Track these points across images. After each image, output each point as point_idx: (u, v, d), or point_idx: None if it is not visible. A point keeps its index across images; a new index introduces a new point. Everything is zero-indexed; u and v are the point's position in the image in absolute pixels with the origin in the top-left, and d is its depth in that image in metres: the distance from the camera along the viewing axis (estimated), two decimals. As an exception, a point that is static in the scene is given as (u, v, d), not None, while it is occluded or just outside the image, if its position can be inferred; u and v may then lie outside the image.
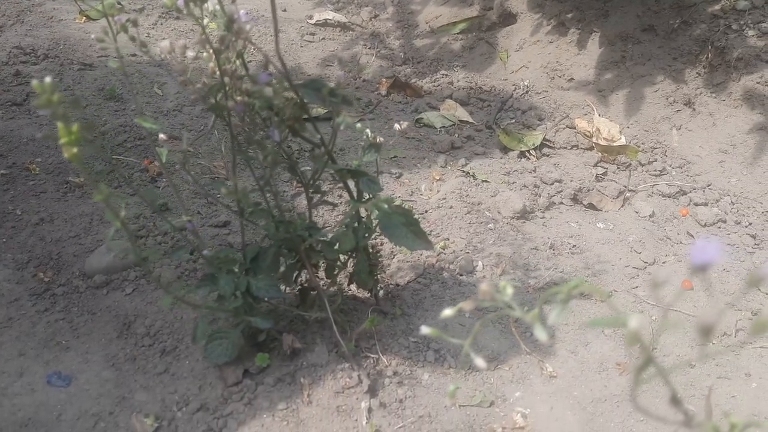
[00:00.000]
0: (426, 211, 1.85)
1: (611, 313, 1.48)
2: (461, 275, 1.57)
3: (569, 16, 2.63)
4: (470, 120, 2.37)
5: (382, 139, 1.32)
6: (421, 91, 2.59)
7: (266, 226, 1.11)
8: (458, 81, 2.67)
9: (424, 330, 0.78)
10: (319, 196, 1.20)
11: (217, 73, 1.04)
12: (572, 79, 2.50)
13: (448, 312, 0.74)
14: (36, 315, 1.39)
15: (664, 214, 1.86)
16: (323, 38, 3.09)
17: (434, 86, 2.65)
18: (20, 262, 1.53)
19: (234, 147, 1.08)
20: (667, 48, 2.38)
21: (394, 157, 2.12)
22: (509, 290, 0.76)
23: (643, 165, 2.07)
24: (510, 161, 2.12)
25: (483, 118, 2.42)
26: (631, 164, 2.07)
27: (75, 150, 0.75)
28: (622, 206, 1.90)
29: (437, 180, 2.02)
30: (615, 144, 2.13)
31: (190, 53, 1.08)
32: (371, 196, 1.22)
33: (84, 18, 2.99)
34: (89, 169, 0.80)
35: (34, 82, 0.72)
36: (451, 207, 1.84)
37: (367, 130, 1.27)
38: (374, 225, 1.26)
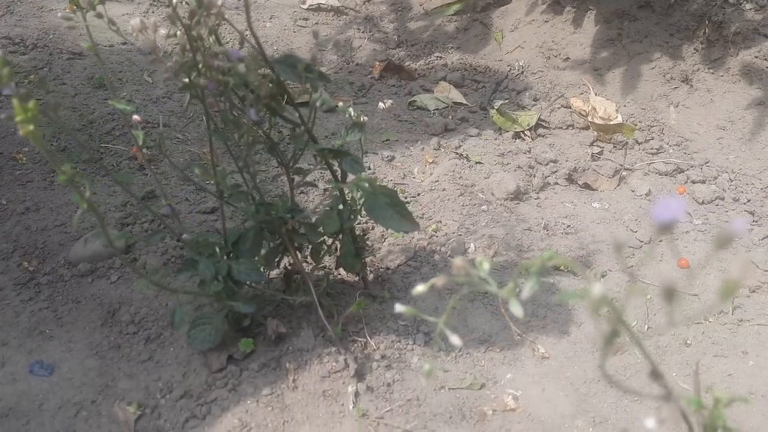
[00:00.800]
0: (418, 194, 1.82)
1: (606, 293, 1.45)
2: (452, 257, 1.54)
3: (564, -6, 2.59)
4: (464, 101, 2.33)
5: (366, 118, 1.29)
6: (415, 74, 2.55)
7: (245, 209, 1.09)
8: (452, 63, 2.63)
9: (399, 308, 0.76)
10: (300, 177, 1.17)
11: (188, 49, 1.01)
12: (568, 58, 2.45)
13: (420, 288, 0.71)
14: (20, 304, 1.37)
15: (661, 193, 1.82)
16: (316, 23, 3.05)
17: (428, 68, 2.61)
18: (5, 251, 1.51)
19: (210, 128, 1.06)
20: (663, 24, 2.33)
21: (387, 140, 2.09)
22: (485, 265, 0.73)
23: (639, 143, 2.04)
24: (504, 142, 2.08)
25: (477, 100, 2.38)
26: (627, 143, 2.04)
27: (31, 127, 0.72)
28: (618, 185, 1.87)
29: (430, 163, 1.99)
30: (611, 123, 2.09)
31: (162, 31, 1.05)
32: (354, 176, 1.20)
33: (74, 8, 2.95)
34: (48, 148, 0.77)
35: (-15, 57, 0.70)
36: (443, 189, 1.81)
37: (350, 110, 1.24)
38: (359, 207, 1.23)
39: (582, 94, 2.29)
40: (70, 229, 1.57)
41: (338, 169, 1.21)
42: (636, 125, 2.10)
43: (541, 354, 1.28)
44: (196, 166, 1.09)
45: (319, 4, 3.13)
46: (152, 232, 1.10)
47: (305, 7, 3.14)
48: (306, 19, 3.06)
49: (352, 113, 1.24)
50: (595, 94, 2.25)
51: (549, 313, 1.38)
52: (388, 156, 2.00)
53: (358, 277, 1.39)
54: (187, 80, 1.02)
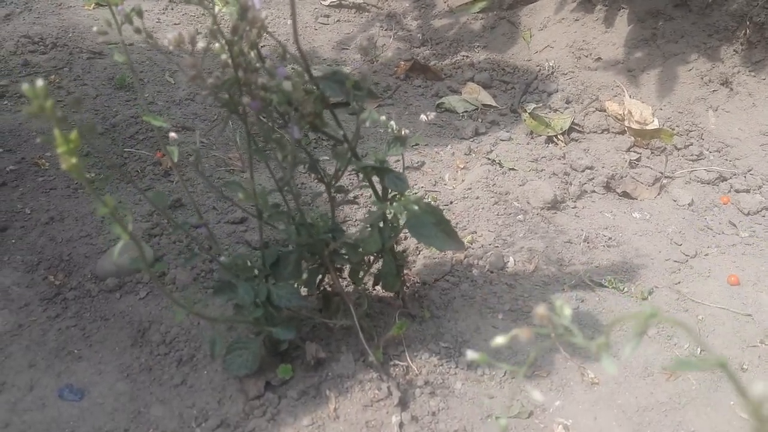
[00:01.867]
0: (451, 202, 1.76)
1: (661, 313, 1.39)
2: (491, 272, 1.49)
3: (596, -9, 2.51)
4: (494, 104, 2.27)
5: (407, 131, 1.23)
6: (441, 74, 2.49)
7: (287, 231, 1.03)
8: (479, 62, 2.56)
9: (471, 355, 0.70)
10: (341, 195, 1.11)
11: (230, 65, 0.95)
12: (600, 58, 2.38)
13: (500, 340, 0.66)
14: (47, 321, 1.32)
15: (703, 202, 1.75)
16: (338, 20, 2.98)
17: (454, 68, 2.55)
18: (30, 264, 1.47)
19: (250, 146, 1.00)
20: (701, 24, 2.25)
21: (416, 144, 2.03)
22: (567, 311, 0.68)
23: (678, 149, 1.96)
24: (537, 147, 2.02)
25: (507, 102, 2.31)
26: (665, 149, 1.97)
27: (74, 160, 0.67)
28: (659, 194, 1.80)
29: (461, 168, 1.93)
30: (648, 127, 2.02)
31: (201, 44, 1.00)
32: (397, 194, 1.14)
33: (93, 4, 2.90)
34: (91, 182, 0.72)
35: (24, 86, 0.64)
36: (477, 197, 1.75)
37: (392, 123, 1.18)
38: (401, 224, 1.18)
39: (616, 96, 2.21)
40: (97, 241, 1.52)
41: (379, 185, 1.15)
42: (674, 130, 2.03)
43: (590, 379, 1.22)
44: (237, 186, 1.04)
45: (340, 1, 3.06)
46: (189, 255, 1.04)
47: (326, 3, 3.08)
48: (327, 16, 2.99)
49: (394, 126, 1.18)
50: (630, 97, 2.18)
51: (596, 334, 1.32)
52: (417, 162, 1.94)
53: (395, 294, 1.33)
54: (226, 97, 0.96)
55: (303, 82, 0.96)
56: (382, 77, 2.51)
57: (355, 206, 1.70)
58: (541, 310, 0.64)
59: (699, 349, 1.31)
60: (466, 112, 2.23)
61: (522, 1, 2.78)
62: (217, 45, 1.00)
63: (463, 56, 2.62)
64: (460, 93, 2.35)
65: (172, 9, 3.03)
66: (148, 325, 1.30)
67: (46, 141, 0.68)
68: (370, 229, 1.16)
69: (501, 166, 1.89)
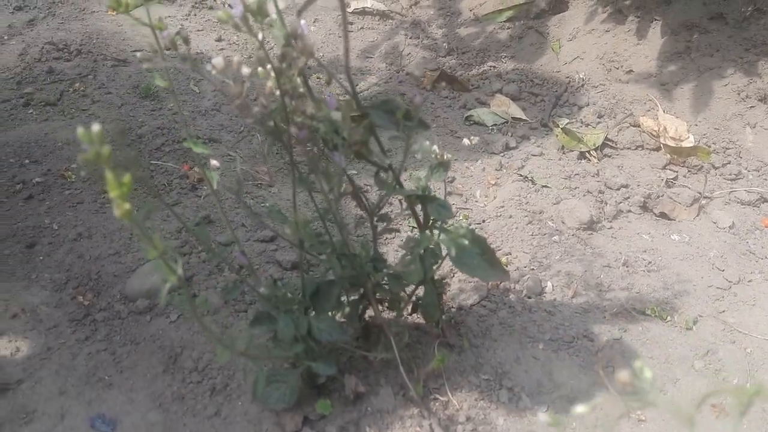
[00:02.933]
0: (483, 221, 1.72)
1: (700, 345, 1.35)
2: (529, 297, 1.44)
3: (627, 2, 2.46)
4: (523, 117, 2.22)
5: (450, 155, 1.20)
6: (468, 85, 2.44)
7: (330, 262, 1.00)
8: (507, 73, 2.52)
9: (543, 418, 0.66)
10: (384, 224, 1.08)
11: (277, 93, 0.92)
12: (631, 71, 2.33)
13: (581, 409, 0.62)
14: (76, 344, 1.29)
15: (744, 225, 1.71)
16: (362, 27, 2.95)
17: (482, 79, 2.50)
18: (58, 282, 1.44)
19: (294, 176, 0.97)
20: (737, 38, 2.20)
21: (442, 154, 1.99)
22: (647, 374, 0.64)
23: (716, 168, 1.91)
24: (570, 163, 1.97)
25: (537, 115, 2.27)
26: (703, 167, 1.92)
27: (127, 206, 0.63)
28: (698, 215, 1.75)
29: (493, 185, 1.89)
30: (684, 144, 1.97)
31: (245, 70, 0.96)
32: (441, 222, 1.10)
33: (114, 11, 2.88)
34: (144, 230, 0.69)
35: (79, 131, 0.61)
36: (510, 216, 1.71)
37: (435, 147, 1.14)
38: (442, 253, 1.14)
39: (649, 111, 2.16)
40: (125, 259, 1.49)
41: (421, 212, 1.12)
42: (710, 147, 1.98)
43: (636, 416, 1.18)
44: (282, 217, 1.00)
45: (364, 7, 3.03)
46: (230, 286, 1.01)
47: (350, 10, 3.04)
48: (351, 23, 2.96)
49: (437, 150, 1.14)
50: (663, 111, 2.13)
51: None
52: (448, 177, 1.90)
53: (434, 323, 1.29)
54: (272, 126, 0.93)
55: (351, 112, 0.92)
56: (408, 87, 2.47)
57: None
58: (623, 375, 0.60)
59: (749, 385, 1.26)
60: (495, 125, 2.18)
61: (550, 11, 2.73)
62: (260, 69, 0.97)
63: (491, 66, 2.58)
64: (489, 105, 2.31)
65: (195, 15, 3.00)
66: (180, 350, 1.27)
67: (87, 177, 0.65)
68: (410, 257, 1.12)
69: (533, 183, 1.85)
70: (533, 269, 1.54)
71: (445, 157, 1.14)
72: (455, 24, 2.90)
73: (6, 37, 2.53)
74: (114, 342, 1.30)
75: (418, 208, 1.12)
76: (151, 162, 1.86)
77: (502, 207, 1.75)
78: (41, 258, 1.50)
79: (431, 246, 1.13)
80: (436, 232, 1.17)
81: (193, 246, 1.55)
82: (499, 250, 1.61)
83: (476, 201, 1.82)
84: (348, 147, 0.95)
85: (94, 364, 1.25)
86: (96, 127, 0.61)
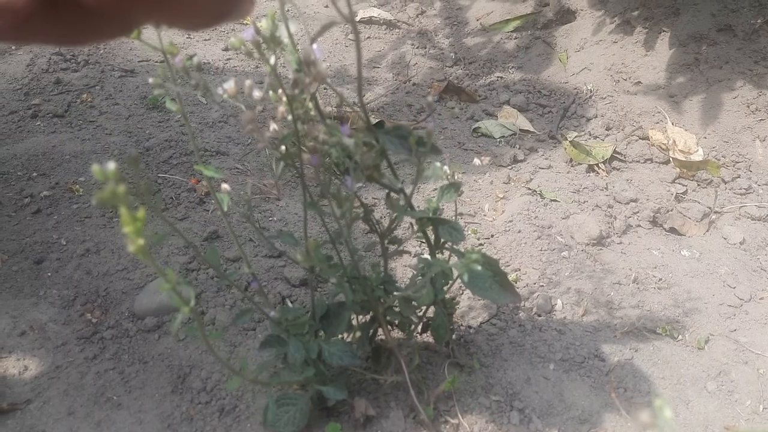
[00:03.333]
0: (492, 236, 1.71)
1: (712, 365, 1.34)
2: (539, 315, 1.44)
3: (635, 13, 2.45)
4: (531, 129, 2.21)
5: (461, 175, 1.19)
6: (476, 96, 2.44)
7: (342, 288, 0.99)
8: (515, 84, 2.51)
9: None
10: (395, 246, 1.07)
11: (289, 118, 0.91)
12: (639, 82, 2.32)
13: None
14: (84, 363, 1.29)
15: (755, 241, 1.69)
16: (368, 37, 2.95)
17: (489, 90, 2.50)
18: (66, 299, 1.44)
19: (306, 200, 0.96)
20: (747, 50, 2.19)
21: (453, 173, 1.98)
22: (667, 413, 0.63)
23: (726, 182, 1.90)
24: (578, 176, 1.96)
25: (544, 126, 2.26)
26: (712, 181, 1.91)
27: (141, 242, 0.63)
28: (708, 231, 1.74)
29: (501, 198, 1.88)
30: (693, 157, 1.96)
31: (257, 93, 0.96)
32: (453, 245, 1.10)
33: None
34: (157, 264, 0.68)
35: (94, 168, 0.60)
36: (519, 231, 1.70)
37: (446, 168, 1.13)
38: (453, 275, 1.13)
39: (658, 123, 2.15)
40: (134, 276, 1.49)
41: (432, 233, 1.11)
42: (719, 161, 1.97)
43: (649, 439, 1.17)
44: (293, 240, 1.00)
45: (371, 17, 3.02)
46: (241, 311, 1.00)
47: (357, 19, 3.04)
48: (355, 13, 2.95)
49: (447, 171, 1.13)
50: (672, 124, 2.12)
51: (652, 388, 1.27)
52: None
53: (444, 343, 1.29)
54: (284, 149, 0.92)
55: (364, 137, 0.91)
56: (414, 98, 2.46)
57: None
58: (644, 417, 0.60)
59: (761, 407, 1.25)
60: (503, 137, 2.18)
61: (557, 21, 2.72)
62: (271, 93, 0.96)
63: (498, 77, 2.57)
64: (496, 116, 2.30)
65: (202, 24, 3.00)
66: (188, 369, 1.26)
67: (100, 201, 0.64)
68: (421, 280, 1.12)
69: (542, 197, 1.84)
70: (543, 286, 1.53)
71: (455, 177, 1.14)
72: (462, 34, 2.90)
73: (14, 47, 2.53)
74: (122, 361, 1.30)
75: (429, 229, 1.11)
76: (159, 175, 1.86)
77: (511, 221, 1.74)
78: (49, 274, 1.50)
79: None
80: (446, 252, 1.16)
81: (202, 262, 1.54)
82: (508, 265, 1.60)
83: (484, 215, 1.81)
84: (360, 171, 0.95)
85: (103, 384, 1.25)
86: (112, 166, 0.60)
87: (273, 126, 0.94)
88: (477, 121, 2.29)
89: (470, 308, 1.44)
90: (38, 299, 1.43)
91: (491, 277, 1.09)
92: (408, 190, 1.04)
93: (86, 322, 1.38)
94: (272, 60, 0.89)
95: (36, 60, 2.43)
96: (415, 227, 1.07)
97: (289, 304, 1.41)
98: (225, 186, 1.00)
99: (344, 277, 1.00)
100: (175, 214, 1.72)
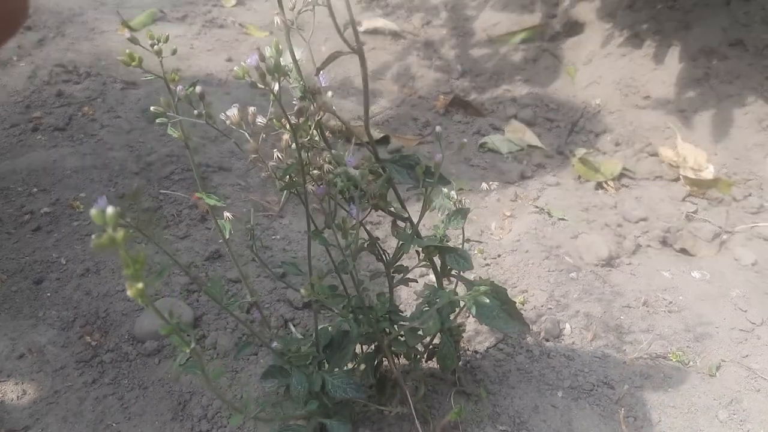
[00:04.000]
0: (499, 255, 1.68)
1: (724, 393, 1.30)
2: (547, 340, 1.41)
3: (644, 27, 2.42)
4: (539, 144, 2.18)
5: (469, 201, 1.16)
6: (483, 110, 2.41)
7: (347, 321, 0.96)
8: (522, 97, 2.48)
9: None
10: (401, 275, 1.04)
11: (293, 146, 0.89)
12: (649, 96, 2.29)
13: None
14: (83, 388, 1.26)
15: (767, 262, 1.66)
16: (374, 47, 2.92)
17: (495, 103, 2.47)
18: (65, 320, 1.41)
19: (310, 230, 0.93)
20: (758, 66, 2.16)
21: (460, 189, 1.95)
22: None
23: (737, 201, 1.87)
24: (587, 194, 1.93)
25: (552, 141, 2.23)
26: (723, 199, 1.87)
27: (140, 285, 0.60)
28: (719, 251, 1.71)
29: (508, 216, 1.85)
30: (703, 174, 1.93)
31: (260, 119, 0.93)
32: (460, 272, 1.07)
33: (126, 29, 2.87)
34: (157, 309, 0.65)
35: (92, 212, 0.58)
36: (526, 251, 1.67)
37: (453, 193, 1.11)
38: (461, 303, 1.10)
39: (667, 139, 2.12)
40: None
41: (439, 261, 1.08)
42: (730, 178, 1.94)
43: (661, 473, 1.14)
44: (293, 267, 0.97)
45: (375, 27, 3.00)
46: (243, 342, 0.98)
47: (362, 30, 3.01)
48: (363, 43, 2.93)
49: (455, 196, 1.10)
50: (682, 140, 2.09)
51: (663, 416, 1.24)
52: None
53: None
54: (288, 179, 0.89)
55: (370, 166, 0.89)
56: (420, 111, 2.44)
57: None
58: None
59: (776, 439, 1.22)
60: (510, 153, 2.15)
61: (565, 33, 2.70)
62: (275, 120, 0.94)
63: (505, 90, 2.54)
64: (503, 131, 2.28)
65: (205, 34, 2.99)
66: (188, 396, 1.24)
67: (98, 246, 0.62)
68: (427, 310, 1.09)
69: (550, 215, 1.81)
70: (551, 308, 1.50)
71: (463, 203, 1.11)
72: (468, 45, 2.87)
73: (15, 59, 2.52)
74: (122, 386, 1.27)
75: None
76: (160, 192, 1.84)
77: (518, 241, 1.71)
78: (49, 294, 1.47)
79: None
80: (453, 279, 1.14)
81: (203, 282, 1.52)
82: (516, 287, 1.57)
83: (491, 234, 1.79)
84: (364, 198, 0.92)
85: (102, 410, 1.22)
86: (110, 210, 0.57)
87: (277, 154, 0.91)
88: (484, 135, 2.26)
89: (477, 332, 1.41)
90: (37, 320, 1.41)
91: (499, 306, 1.06)
92: (415, 217, 1.01)
93: (85, 344, 1.36)
94: (276, 88, 0.86)
95: (37, 71, 2.41)
96: (422, 255, 1.04)
97: (292, 327, 1.38)
98: (227, 214, 0.98)
99: (349, 307, 0.97)
100: (176, 232, 1.69)
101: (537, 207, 1.85)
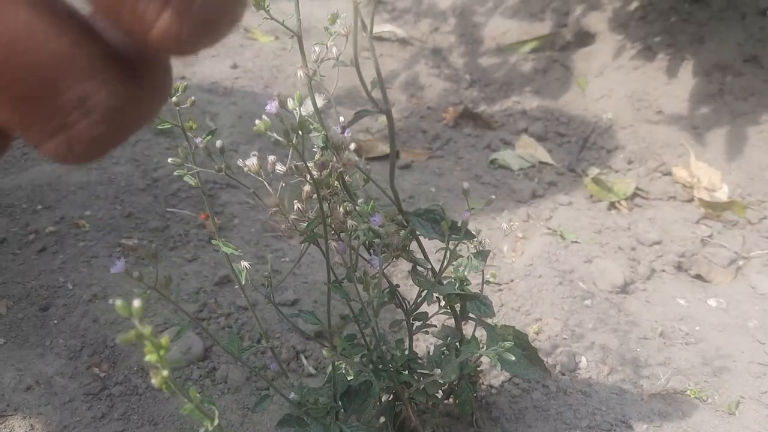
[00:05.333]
0: (512, 281, 1.66)
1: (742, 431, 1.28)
2: (563, 374, 1.38)
3: (657, 39, 2.39)
4: (551, 161, 2.16)
5: (488, 241, 1.14)
6: (493, 123, 2.38)
7: (366, 375, 0.94)
8: (532, 110, 2.45)
9: None
10: (420, 322, 1.02)
11: (314, 197, 0.86)
12: (661, 111, 2.26)
13: None
14: (92, 423, 1.24)
15: (785, 290, 1.64)
16: (381, 54, 2.88)
17: (505, 115, 2.44)
18: (73, 349, 1.39)
19: (330, 281, 0.91)
20: (774, 83, 2.13)
21: (471, 209, 1.92)
22: None
23: (752, 224, 1.85)
24: (600, 214, 1.91)
25: (563, 157, 2.20)
26: (738, 222, 1.85)
27: (166, 372, 0.58)
28: (735, 277, 1.68)
29: (520, 238, 1.82)
30: (717, 194, 1.90)
31: (279, 167, 0.91)
32: (481, 317, 1.04)
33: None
34: (179, 386, 0.62)
35: (117, 304, 0.55)
36: (540, 276, 1.65)
37: (481, 244, 1.07)
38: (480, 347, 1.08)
39: (680, 156, 2.10)
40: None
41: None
42: (745, 199, 1.91)
43: None
44: (311, 317, 0.94)
45: (382, 33, 2.96)
46: (260, 397, 0.95)
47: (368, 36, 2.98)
48: (369, 50, 2.89)
49: (478, 240, 1.08)
50: (695, 158, 2.06)
51: (683, 459, 1.22)
52: (474, 229, 1.84)
53: (466, 409, 1.23)
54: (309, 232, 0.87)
55: (393, 219, 0.86)
56: (429, 123, 2.41)
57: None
58: None
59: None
60: (521, 169, 2.12)
61: (575, 44, 2.66)
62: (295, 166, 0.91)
63: (515, 102, 2.51)
64: (514, 145, 2.25)
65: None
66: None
67: (126, 341, 0.59)
68: (447, 352, 1.07)
69: (563, 238, 1.79)
70: (566, 339, 1.47)
71: (484, 245, 1.08)
72: (477, 53, 2.84)
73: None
74: (131, 422, 1.25)
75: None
76: (167, 210, 1.81)
77: (531, 265, 1.69)
78: (55, 321, 1.44)
79: (466, 337, 1.07)
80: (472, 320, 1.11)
81: (212, 311, 1.49)
82: (530, 314, 1.55)
83: (503, 257, 1.76)
84: (387, 249, 0.89)
85: (111, 449, 1.20)
86: (137, 303, 0.55)
87: (297, 205, 0.88)
88: (494, 150, 2.23)
89: (491, 366, 1.39)
90: (44, 350, 1.38)
91: (520, 353, 1.04)
92: (435, 264, 0.99)
93: (93, 376, 1.33)
94: (295, 140, 0.83)
95: (42, 80, 2.37)
96: (443, 302, 1.02)
97: (304, 360, 1.36)
98: (244, 263, 0.95)
99: (369, 360, 0.94)
100: (184, 254, 1.66)
101: (549, 228, 1.83)
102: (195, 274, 1.60)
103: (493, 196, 0.98)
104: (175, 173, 0.84)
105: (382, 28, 2.99)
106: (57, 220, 1.73)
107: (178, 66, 2.68)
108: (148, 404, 1.28)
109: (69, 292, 1.51)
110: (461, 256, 0.91)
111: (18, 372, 1.33)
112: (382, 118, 2.43)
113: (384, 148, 2.17)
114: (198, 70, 2.68)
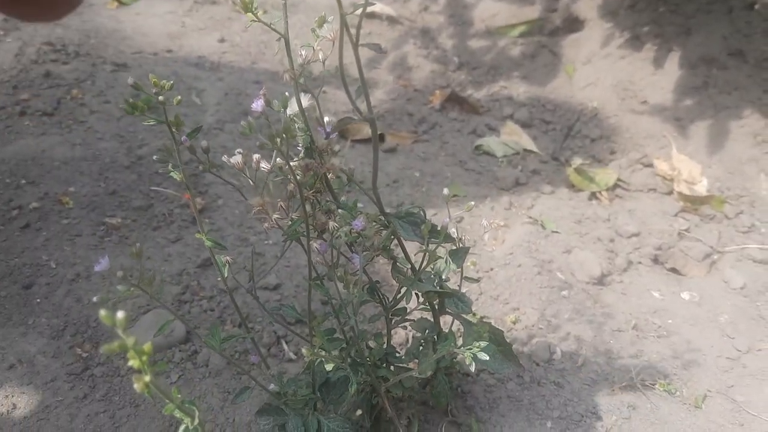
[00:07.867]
0: (492, 269, 1.68)
1: (708, 427, 1.33)
2: (538, 364, 1.42)
3: (645, 29, 2.40)
4: (535, 149, 2.17)
5: (468, 237, 1.16)
6: (479, 108, 2.39)
7: (345, 371, 0.96)
8: (518, 95, 2.46)
9: None
10: (399, 317, 1.04)
11: (297, 196, 0.87)
12: (646, 102, 2.28)
13: None
14: (74, 403, 1.26)
15: (755, 286, 1.68)
16: (369, 33, 2.87)
17: (492, 101, 2.45)
18: (56, 328, 1.40)
19: (310, 278, 0.92)
20: (757, 78, 2.15)
21: (455, 196, 1.95)
22: None
23: (729, 218, 1.88)
24: (580, 204, 1.93)
25: (548, 145, 2.22)
26: (715, 216, 1.88)
27: (147, 378, 0.59)
28: (709, 272, 1.72)
29: (502, 226, 1.85)
30: (696, 188, 1.93)
31: (264, 165, 0.92)
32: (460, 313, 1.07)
33: (116, 4, 2.79)
34: (164, 391, 0.64)
35: (101, 314, 0.57)
36: (519, 265, 1.67)
37: (453, 230, 1.10)
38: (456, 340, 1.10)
39: (663, 148, 2.12)
40: (124, 306, 1.45)
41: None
42: (723, 193, 1.95)
43: None
44: (291, 310, 0.96)
45: (372, 11, 2.94)
46: (241, 389, 0.97)
47: (358, 13, 2.95)
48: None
49: (455, 234, 1.10)
50: (677, 150, 2.08)
51: (649, 451, 1.26)
52: (457, 217, 1.86)
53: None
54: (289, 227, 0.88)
55: (374, 221, 0.87)
56: (416, 106, 2.41)
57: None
58: None
59: (757, 477, 1.25)
60: (505, 156, 2.14)
61: (564, 29, 2.66)
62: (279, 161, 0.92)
63: (502, 86, 2.52)
64: (499, 132, 2.26)
65: (197, 11, 2.92)
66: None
67: (103, 300, 0.60)
68: (423, 345, 1.09)
69: (543, 227, 1.81)
70: (542, 329, 1.51)
71: (462, 242, 1.10)
72: (466, 35, 2.83)
73: (2, 33, 2.44)
74: (113, 403, 1.27)
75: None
76: (151, 188, 1.81)
77: (511, 254, 1.72)
78: (38, 300, 1.45)
79: (443, 332, 1.10)
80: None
81: (195, 293, 1.51)
82: (508, 303, 1.58)
83: (484, 245, 1.78)
84: (367, 249, 0.91)
85: (93, 429, 1.22)
86: (121, 314, 0.56)
87: (281, 204, 0.90)
88: (479, 135, 2.24)
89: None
90: (27, 328, 1.39)
91: (495, 349, 1.07)
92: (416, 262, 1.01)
93: (76, 356, 1.35)
94: (279, 142, 0.84)
95: (25, 49, 2.34)
96: (422, 299, 1.04)
97: (285, 345, 1.39)
98: (227, 258, 0.96)
99: (347, 355, 0.97)
100: (167, 234, 1.67)
101: (531, 217, 1.85)
102: (178, 256, 1.61)
103: (472, 203, 1.00)
104: (159, 170, 0.85)
105: (372, 7, 2.97)
106: (41, 196, 1.73)
107: (165, 39, 2.65)
108: (130, 386, 1.30)
109: (52, 271, 1.52)
110: (440, 257, 0.92)
111: (1, 350, 1.34)
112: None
113: (370, 131, 2.18)
114: (185, 42, 2.65)
